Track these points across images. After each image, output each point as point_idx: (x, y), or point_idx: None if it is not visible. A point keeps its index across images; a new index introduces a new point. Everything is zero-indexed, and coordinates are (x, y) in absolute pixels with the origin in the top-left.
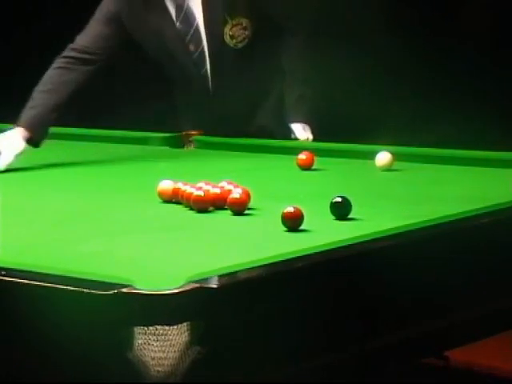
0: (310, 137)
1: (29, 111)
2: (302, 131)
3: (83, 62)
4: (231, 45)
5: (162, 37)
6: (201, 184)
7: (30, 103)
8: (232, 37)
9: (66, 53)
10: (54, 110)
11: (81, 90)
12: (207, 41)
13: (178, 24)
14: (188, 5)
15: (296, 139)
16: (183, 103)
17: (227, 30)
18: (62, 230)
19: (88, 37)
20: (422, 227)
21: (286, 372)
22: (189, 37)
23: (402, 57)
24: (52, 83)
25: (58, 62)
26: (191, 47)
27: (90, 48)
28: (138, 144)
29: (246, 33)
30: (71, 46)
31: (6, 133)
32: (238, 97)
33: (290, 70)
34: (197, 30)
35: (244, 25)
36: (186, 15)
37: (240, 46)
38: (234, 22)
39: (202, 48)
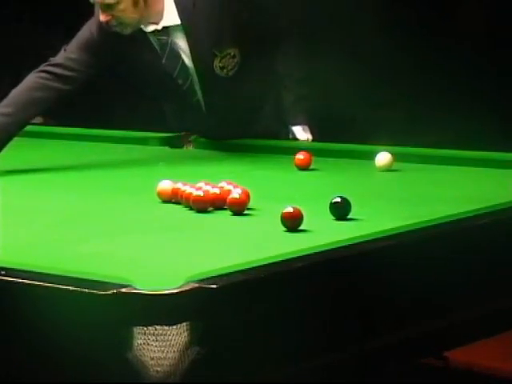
0: (310, 137)
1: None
2: (301, 132)
3: (63, 80)
4: (222, 75)
5: (150, 73)
6: (200, 184)
7: (4, 109)
8: (222, 68)
9: (47, 67)
10: (22, 126)
11: (53, 109)
12: (197, 74)
13: (164, 60)
14: (172, 41)
15: (296, 140)
16: (176, 118)
17: (217, 63)
18: (62, 230)
19: (70, 55)
20: (422, 227)
21: (285, 372)
22: (176, 72)
23: (400, 57)
24: (28, 96)
25: (38, 75)
26: (180, 81)
27: (71, 67)
28: (138, 144)
29: (236, 60)
30: (54, 60)
31: None
32: (234, 110)
33: (285, 72)
34: (183, 65)
35: (232, 54)
36: (171, 51)
37: (231, 73)
38: (223, 54)
39: (191, 80)
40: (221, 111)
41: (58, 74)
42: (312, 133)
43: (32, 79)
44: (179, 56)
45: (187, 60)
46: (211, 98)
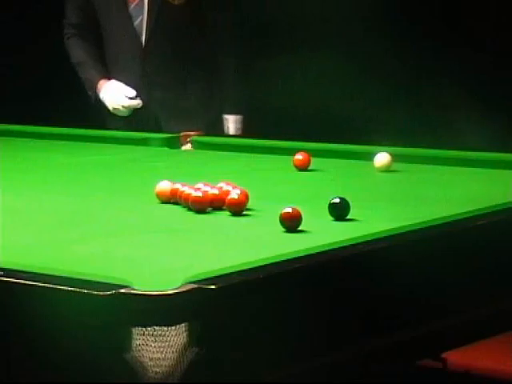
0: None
1: (92, 70)
2: (232, 122)
3: (84, 34)
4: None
5: None
6: (199, 185)
7: (88, 65)
8: None
9: (66, 30)
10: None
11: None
12: None
13: None
14: None
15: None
16: (114, 66)
17: None
18: (60, 230)
19: (71, 9)
20: (421, 228)
21: (284, 372)
22: None
23: (400, 57)
24: (86, 52)
25: (71, 40)
26: None
27: (79, 21)
28: (137, 145)
29: None
30: (65, 21)
31: (107, 90)
32: (169, 66)
33: (224, 89)
34: None
35: None
36: None
37: (177, 2)
38: None
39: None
40: (158, 47)
41: (78, 34)
42: (314, 134)
43: (75, 44)
44: None
45: None
46: (154, 23)
